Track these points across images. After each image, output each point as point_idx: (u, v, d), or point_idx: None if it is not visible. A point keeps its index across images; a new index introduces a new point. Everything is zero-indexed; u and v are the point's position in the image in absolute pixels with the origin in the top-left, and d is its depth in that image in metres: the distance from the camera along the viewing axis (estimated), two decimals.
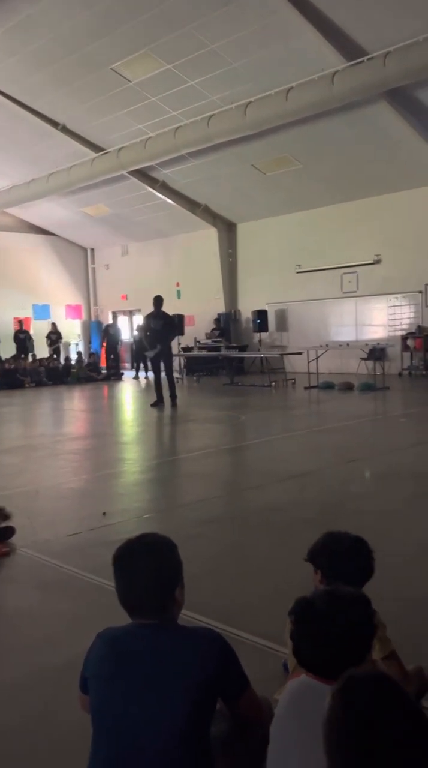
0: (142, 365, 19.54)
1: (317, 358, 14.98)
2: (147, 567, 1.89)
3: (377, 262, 17.01)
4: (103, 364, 21.06)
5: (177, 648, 1.83)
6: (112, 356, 20.98)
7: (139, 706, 1.76)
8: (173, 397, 12.09)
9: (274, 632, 2.88)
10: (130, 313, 23.86)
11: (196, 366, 19.45)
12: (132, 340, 21.41)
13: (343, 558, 2.32)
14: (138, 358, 19.66)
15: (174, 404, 12.03)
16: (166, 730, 1.74)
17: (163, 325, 12.20)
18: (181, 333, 15.16)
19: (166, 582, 1.90)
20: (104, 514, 5.20)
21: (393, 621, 2.42)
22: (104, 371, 20.46)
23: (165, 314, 12.33)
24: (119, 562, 1.93)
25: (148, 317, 12.44)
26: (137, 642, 1.85)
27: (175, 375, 13.11)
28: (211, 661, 1.82)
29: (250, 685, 1.94)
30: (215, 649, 1.86)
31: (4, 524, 4.64)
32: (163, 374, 12.33)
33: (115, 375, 20.03)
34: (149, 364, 15.59)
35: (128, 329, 23.53)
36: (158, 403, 12.13)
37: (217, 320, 20.17)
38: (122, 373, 20.41)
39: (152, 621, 1.88)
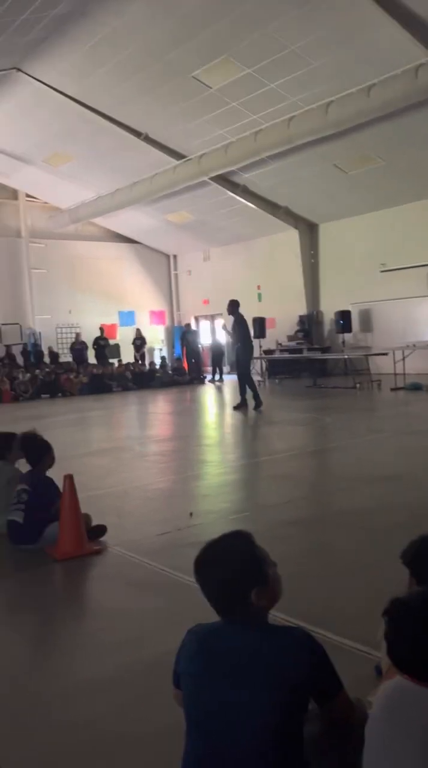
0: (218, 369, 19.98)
1: (403, 358, 14.61)
2: (216, 571, 1.91)
3: None
4: (185, 368, 21.37)
5: (265, 647, 1.83)
6: (193, 360, 21.25)
7: (228, 703, 1.77)
8: (242, 403, 12.12)
9: (365, 635, 2.82)
10: (212, 318, 24.06)
11: (277, 368, 19.38)
12: (211, 344, 21.60)
13: None
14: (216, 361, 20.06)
15: (236, 407, 12.16)
16: (256, 728, 1.74)
17: (233, 328, 12.44)
18: (249, 335, 12.81)
19: (236, 586, 1.88)
20: (191, 514, 5.26)
21: None
22: (187, 375, 20.76)
23: (238, 317, 12.38)
24: (196, 567, 1.96)
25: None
26: (225, 640, 1.87)
27: (257, 378, 13.06)
28: (302, 661, 1.81)
29: (344, 687, 1.91)
30: (306, 650, 1.84)
31: (95, 523, 4.78)
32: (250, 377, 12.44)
33: (197, 379, 20.27)
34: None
35: (210, 333, 23.76)
36: (241, 406, 12.18)
37: (302, 321, 19.99)
38: (205, 377, 20.62)
39: (240, 619, 1.89)
